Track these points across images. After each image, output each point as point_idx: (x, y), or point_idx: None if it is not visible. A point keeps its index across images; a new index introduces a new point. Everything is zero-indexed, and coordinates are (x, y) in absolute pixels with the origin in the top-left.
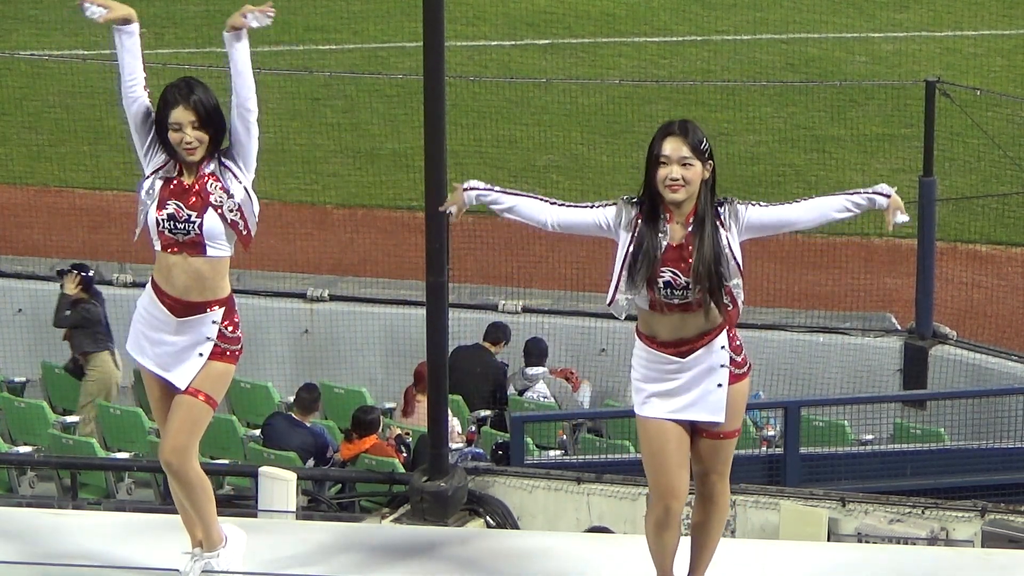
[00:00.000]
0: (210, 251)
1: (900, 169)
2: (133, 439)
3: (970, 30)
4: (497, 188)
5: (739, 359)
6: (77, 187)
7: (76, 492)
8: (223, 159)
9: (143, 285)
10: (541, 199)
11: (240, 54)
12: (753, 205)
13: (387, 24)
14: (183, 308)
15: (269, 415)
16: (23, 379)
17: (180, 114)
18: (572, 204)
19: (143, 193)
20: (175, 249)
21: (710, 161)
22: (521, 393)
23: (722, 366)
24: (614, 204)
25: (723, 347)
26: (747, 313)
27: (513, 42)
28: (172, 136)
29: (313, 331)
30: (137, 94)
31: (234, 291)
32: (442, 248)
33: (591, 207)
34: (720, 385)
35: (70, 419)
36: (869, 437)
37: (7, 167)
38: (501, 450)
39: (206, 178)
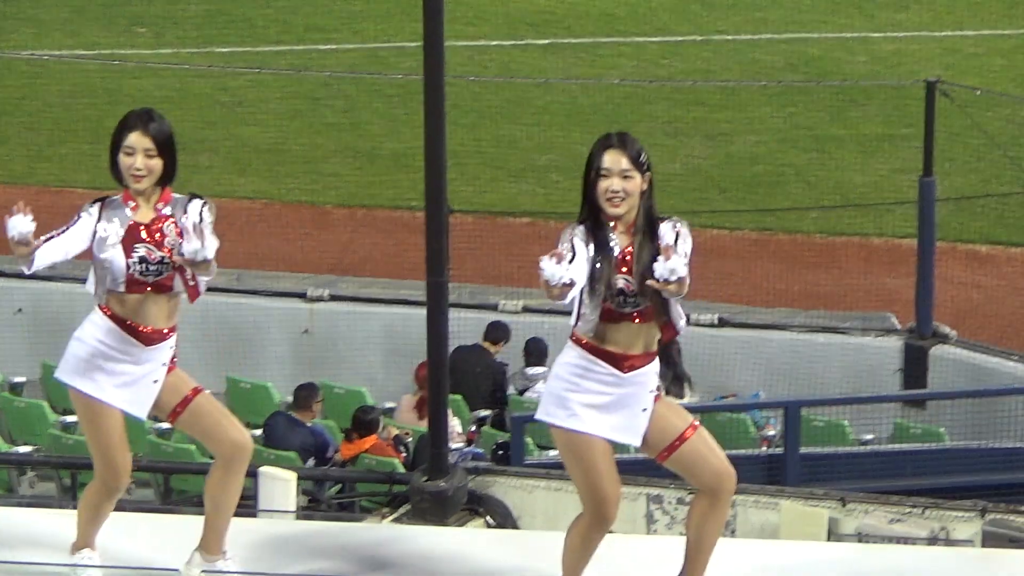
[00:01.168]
0: (176, 287)
1: (900, 169)
2: (133, 439)
3: (970, 30)
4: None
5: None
6: (77, 187)
7: (76, 492)
8: (188, 211)
9: None
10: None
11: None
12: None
13: (387, 24)
14: (156, 337)
15: (269, 415)
16: (23, 379)
17: (136, 139)
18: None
19: (97, 243)
20: (141, 289)
21: (648, 172)
22: (521, 393)
23: (651, 391)
24: (568, 239)
25: (655, 372)
26: (747, 313)
27: (513, 42)
28: (123, 160)
29: (313, 331)
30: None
31: (234, 291)
32: (442, 248)
33: (567, 250)
34: (645, 410)
35: (70, 419)
36: (869, 437)
37: (7, 167)
38: (501, 450)
39: (164, 219)
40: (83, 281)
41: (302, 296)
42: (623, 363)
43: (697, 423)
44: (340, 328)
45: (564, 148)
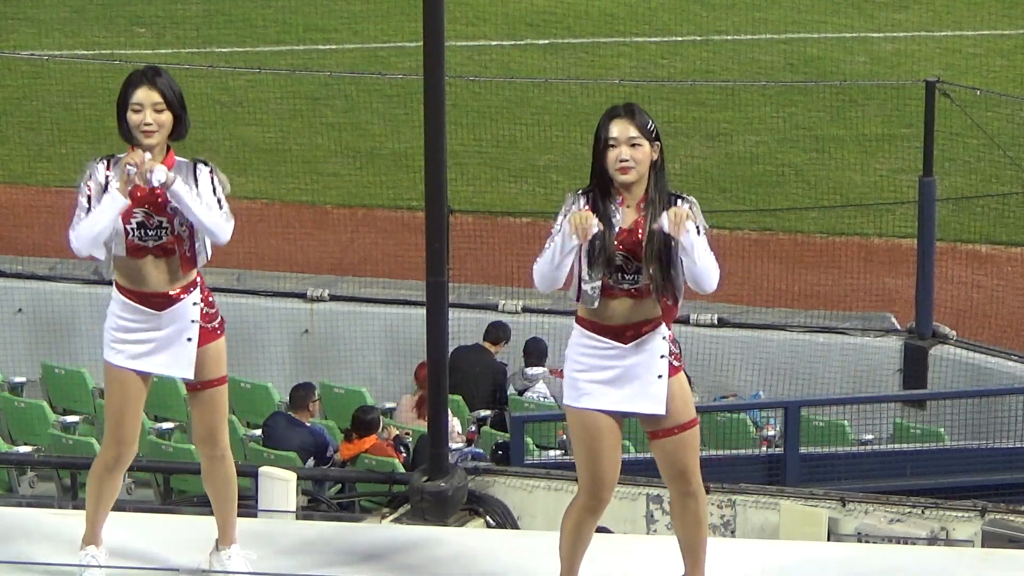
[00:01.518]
0: (178, 250)
1: (900, 169)
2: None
3: (970, 30)
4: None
5: (676, 351)
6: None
7: (76, 492)
8: (197, 181)
9: None
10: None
11: (183, 207)
12: (695, 224)
13: (387, 24)
14: (163, 300)
15: (269, 415)
16: (23, 379)
17: (143, 94)
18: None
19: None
20: (142, 254)
21: (657, 142)
22: (521, 393)
23: (662, 356)
24: (563, 215)
25: (664, 337)
26: (747, 313)
27: (513, 42)
28: (132, 117)
29: (313, 331)
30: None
31: (234, 291)
32: (442, 248)
33: (551, 237)
34: (660, 376)
35: (70, 419)
36: (869, 437)
37: (7, 167)
38: (501, 450)
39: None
40: (83, 281)
41: (302, 296)
42: (624, 334)
43: (695, 421)
44: (340, 328)
45: (564, 148)
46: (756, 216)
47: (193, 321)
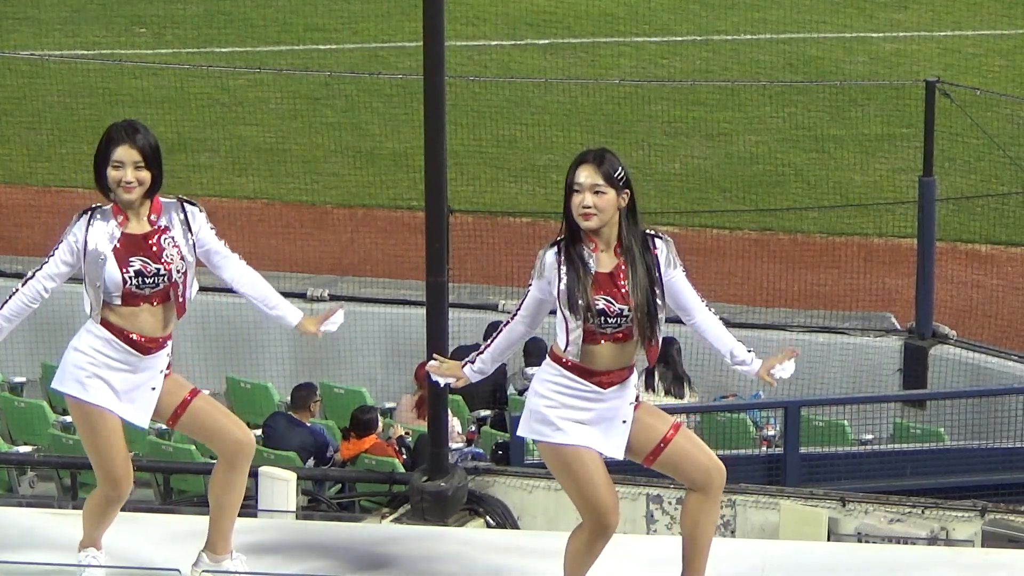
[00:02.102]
0: (171, 297)
1: (900, 169)
2: (133, 439)
3: (970, 30)
4: (483, 358)
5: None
6: (77, 187)
7: (76, 492)
8: (190, 227)
9: None
10: (505, 329)
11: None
12: (680, 269)
13: (387, 24)
14: (153, 346)
15: (269, 415)
16: (23, 379)
17: (124, 152)
18: (523, 303)
19: (89, 260)
20: (139, 301)
21: (626, 190)
22: (521, 393)
23: (631, 403)
24: (535, 268)
25: (634, 384)
26: (747, 313)
27: (513, 42)
28: (112, 174)
29: None
30: (46, 292)
31: (234, 291)
32: (442, 248)
33: (528, 293)
34: (625, 422)
35: (70, 419)
36: (869, 437)
37: (7, 167)
38: (501, 450)
39: (160, 231)
40: (83, 281)
41: (302, 296)
42: (603, 379)
43: (680, 422)
44: (340, 328)
45: (564, 148)
46: (756, 216)
47: (161, 371)
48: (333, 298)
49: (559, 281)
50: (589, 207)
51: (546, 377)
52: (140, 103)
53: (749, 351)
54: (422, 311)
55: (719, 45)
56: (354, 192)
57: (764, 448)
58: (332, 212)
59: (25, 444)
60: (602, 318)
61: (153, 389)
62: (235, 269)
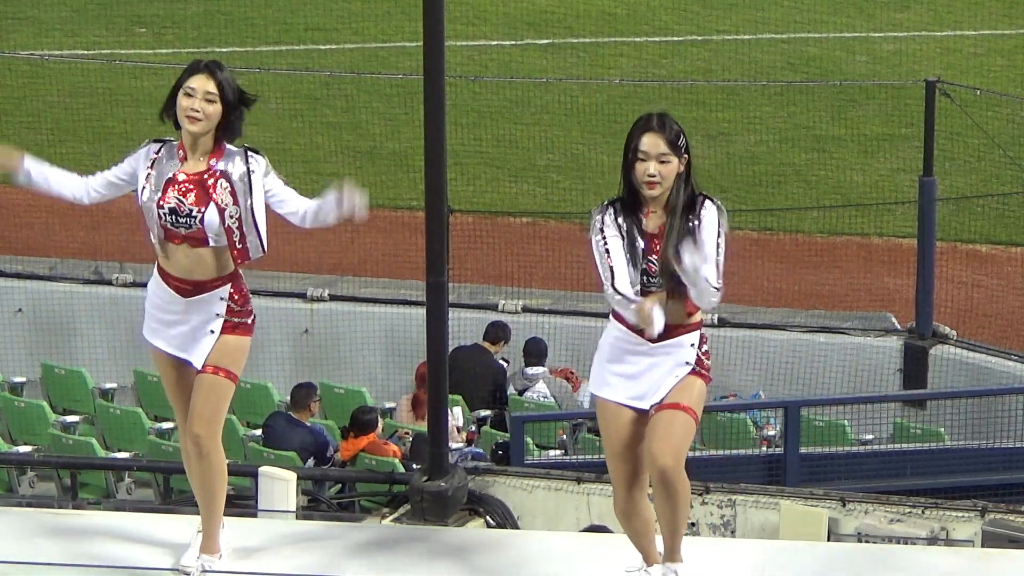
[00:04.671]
0: (212, 242)
1: (900, 169)
2: (133, 439)
3: (970, 30)
4: None
5: (706, 363)
6: None
7: (76, 492)
8: (251, 175)
9: (143, 285)
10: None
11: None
12: (716, 228)
13: (387, 24)
14: (190, 288)
15: (269, 415)
16: (23, 379)
17: (199, 81)
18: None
19: (142, 188)
20: (178, 240)
21: (686, 155)
22: (521, 393)
23: (687, 363)
24: (597, 231)
25: (692, 344)
26: (747, 313)
27: (513, 42)
28: (182, 100)
29: (313, 331)
30: (94, 193)
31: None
32: (442, 248)
33: (600, 257)
34: (676, 377)
35: (70, 419)
36: (869, 437)
37: None
38: (501, 450)
39: (216, 175)
40: (83, 281)
41: (302, 296)
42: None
43: (690, 409)
44: (340, 328)
45: (564, 148)
46: (756, 216)
47: (218, 315)
48: (333, 298)
49: (617, 234)
50: (654, 176)
51: (608, 332)
52: (140, 103)
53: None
54: (422, 311)
55: (719, 45)
56: None
57: (764, 448)
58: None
59: (25, 444)
60: (646, 277)
61: (212, 332)
62: (293, 204)
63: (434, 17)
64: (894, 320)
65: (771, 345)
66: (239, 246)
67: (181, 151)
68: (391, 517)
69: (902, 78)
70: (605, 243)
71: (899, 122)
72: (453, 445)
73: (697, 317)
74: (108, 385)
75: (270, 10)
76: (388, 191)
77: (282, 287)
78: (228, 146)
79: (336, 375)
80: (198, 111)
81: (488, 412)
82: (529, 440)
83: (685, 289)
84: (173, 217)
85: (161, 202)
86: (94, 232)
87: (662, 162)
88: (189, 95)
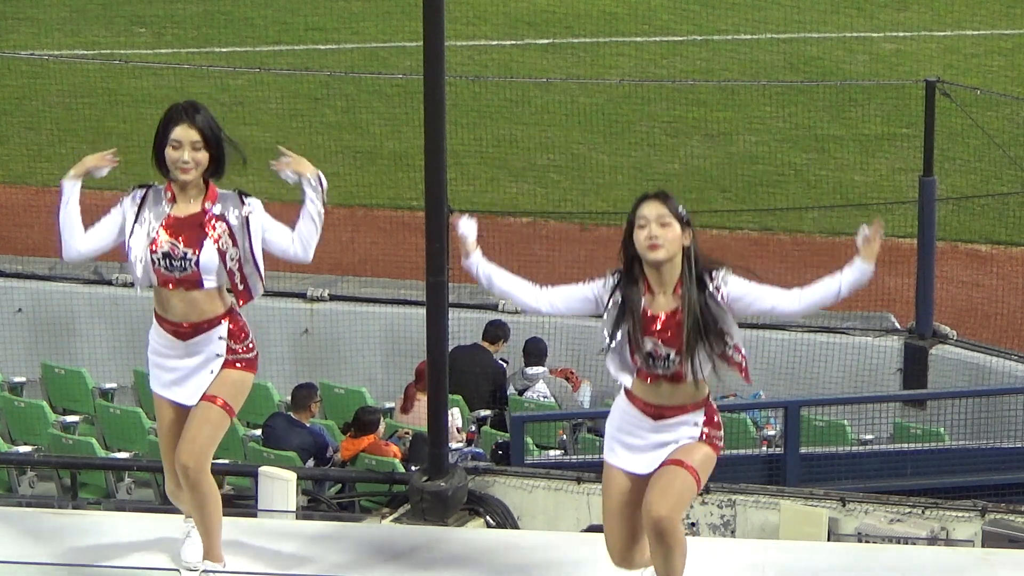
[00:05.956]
0: (207, 284)
1: (900, 169)
2: (133, 439)
3: (970, 30)
4: (493, 266)
5: (716, 434)
6: None
7: (76, 492)
8: (248, 217)
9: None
10: (530, 285)
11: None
12: (740, 278)
13: (387, 24)
14: (188, 330)
15: (269, 415)
16: (23, 379)
17: (182, 132)
18: (562, 286)
19: (133, 234)
20: (172, 285)
21: (689, 228)
22: (521, 393)
23: (691, 437)
24: (603, 277)
25: (696, 423)
26: None
27: (513, 42)
28: (170, 154)
29: (313, 331)
30: (88, 243)
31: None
32: (442, 248)
33: (583, 283)
34: (676, 443)
35: (70, 419)
36: (869, 437)
37: (7, 167)
38: (501, 450)
39: (212, 218)
40: (83, 281)
41: (302, 296)
42: (657, 414)
43: (692, 469)
44: (340, 328)
45: (564, 148)
46: (756, 216)
47: (218, 355)
48: (333, 298)
49: (610, 304)
50: (656, 236)
51: (615, 402)
52: (140, 103)
53: (851, 265)
54: (422, 311)
55: (719, 45)
56: (354, 192)
57: (764, 448)
58: (332, 212)
59: (25, 444)
60: (651, 359)
61: (211, 373)
62: (286, 235)
63: (434, 17)
64: (894, 320)
65: (771, 345)
66: (241, 287)
67: (169, 193)
68: (391, 517)
69: (902, 78)
70: (600, 280)
71: (899, 122)
72: (453, 445)
73: (703, 396)
74: (108, 385)
75: (270, 10)
76: (388, 191)
77: (282, 287)
78: (220, 189)
79: (336, 375)
80: (188, 162)
81: (488, 412)
82: (529, 440)
83: (693, 370)
84: (167, 261)
85: (153, 247)
86: None
87: (663, 224)
88: (176, 147)
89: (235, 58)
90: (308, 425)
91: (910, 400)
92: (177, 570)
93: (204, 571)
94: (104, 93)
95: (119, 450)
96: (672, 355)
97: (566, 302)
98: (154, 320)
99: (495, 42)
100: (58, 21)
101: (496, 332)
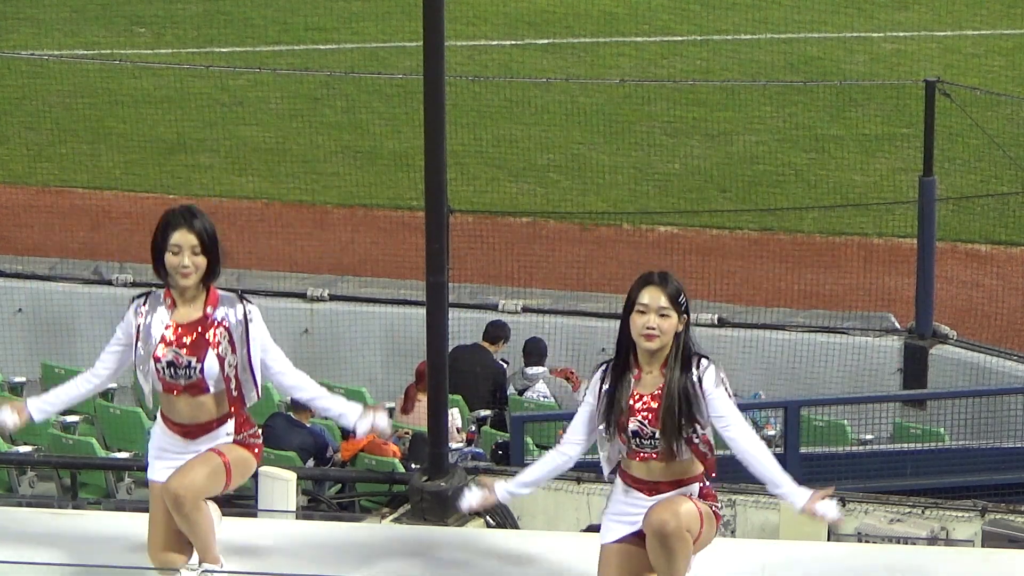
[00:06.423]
0: (213, 389)
1: (900, 169)
2: (133, 439)
3: (970, 30)
4: (520, 479)
5: (709, 506)
6: (77, 187)
7: (76, 492)
8: (248, 324)
9: (143, 285)
10: (553, 454)
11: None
12: (725, 390)
13: (387, 24)
14: (196, 431)
15: (269, 415)
16: (23, 379)
17: (181, 237)
18: (570, 425)
19: (139, 344)
20: (178, 391)
21: (685, 315)
22: (521, 393)
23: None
24: (587, 383)
25: (691, 495)
26: (747, 313)
27: (513, 42)
28: (170, 260)
29: (313, 331)
30: (105, 371)
31: (234, 290)
32: (442, 248)
33: (581, 405)
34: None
35: (70, 419)
36: (869, 437)
37: (7, 167)
38: (501, 450)
39: (214, 323)
40: (83, 281)
41: (302, 296)
42: (652, 490)
43: (693, 499)
44: (340, 328)
45: (564, 148)
46: (756, 216)
47: (226, 438)
48: (333, 298)
49: (599, 394)
50: (653, 328)
51: (613, 488)
52: (140, 103)
53: (795, 485)
54: (422, 311)
55: (719, 45)
56: (354, 192)
57: None
58: (332, 212)
59: (25, 444)
60: (637, 439)
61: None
62: (289, 376)
63: (434, 17)
64: (894, 320)
65: (771, 345)
66: (235, 393)
67: (169, 298)
68: (391, 517)
69: (902, 78)
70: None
71: (899, 122)
72: (453, 445)
73: (697, 472)
74: (108, 385)
75: (270, 10)
76: (388, 191)
77: (282, 287)
78: (222, 292)
79: (336, 375)
80: (188, 267)
81: (488, 412)
82: (529, 440)
83: (677, 448)
84: (172, 370)
85: (156, 356)
86: (94, 232)
87: (662, 315)
88: (176, 253)
89: (235, 58)
90: (308, 425)
91: (910, 400)
92: (177, 570)
93: (203, 571)
94: (104, 93)
95: (119, 450)
96: (657, 433)
97: (583, 433)
98: (160, 420)
99: (495, 42)
100: (58, 21)
101: (496, 332)
